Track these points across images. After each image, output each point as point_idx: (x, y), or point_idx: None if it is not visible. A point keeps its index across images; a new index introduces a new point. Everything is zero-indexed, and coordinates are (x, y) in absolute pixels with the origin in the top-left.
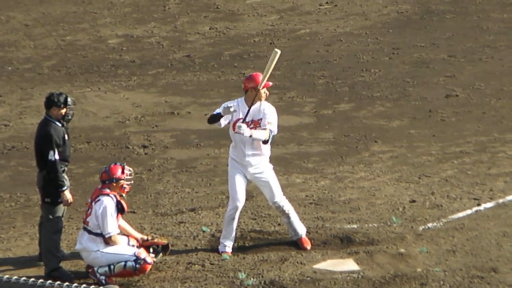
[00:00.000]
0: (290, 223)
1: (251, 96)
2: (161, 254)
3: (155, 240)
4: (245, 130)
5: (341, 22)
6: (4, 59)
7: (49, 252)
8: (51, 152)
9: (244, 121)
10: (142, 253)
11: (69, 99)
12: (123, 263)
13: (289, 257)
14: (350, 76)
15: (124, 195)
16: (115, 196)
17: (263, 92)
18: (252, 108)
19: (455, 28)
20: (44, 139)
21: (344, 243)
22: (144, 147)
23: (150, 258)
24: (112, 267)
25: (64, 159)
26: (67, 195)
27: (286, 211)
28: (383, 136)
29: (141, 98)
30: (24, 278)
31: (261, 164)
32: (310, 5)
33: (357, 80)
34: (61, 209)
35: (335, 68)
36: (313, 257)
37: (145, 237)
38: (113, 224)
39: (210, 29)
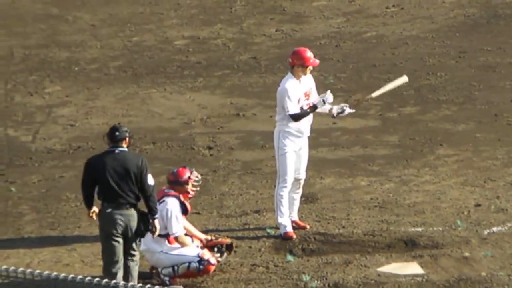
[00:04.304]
0: (295, 203)
1: (298, 71)
2: (225, 254)
3: (219, 240)
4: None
5: (407, 25)
6: (71, 59)
7: None
8: (150, 176)
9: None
10: (206, 254)
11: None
12: (187, 264)
13: (353, 259)
14: (416, 79)
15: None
16: (179, 197)
17: (308, 69)
18: (302, 81)
19: None
20: (143, 163)
21: (408, 246)
22: (209, 148)
23: (214, 259)
24: (176, 268)
25: None
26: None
27: (301, 188)
28: (448, 139)
29: (206, 99)
30: (88, 277)
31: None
32: (377, 8)
33: (423, 84)
34: None
35: (401, 71)
36: (377, 260)
37: (209, 238)
38: (179, 224)
39: (276, 31)
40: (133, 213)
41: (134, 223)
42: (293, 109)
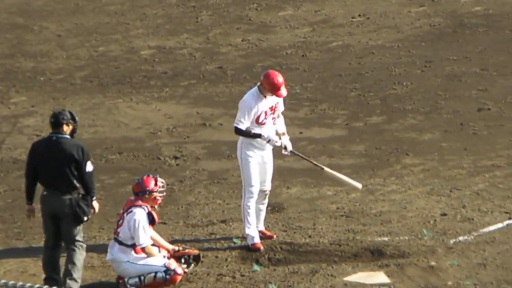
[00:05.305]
0: (262, 214)
1: (265, 91)
2: (192, 265)
3: (186, 251)
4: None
5: (373, 35)
6: (36, 70)
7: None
8: (89, 163)
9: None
10: (172, 264)
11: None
12: (153, 274)
13: (319, 269)
14: (382, 88)
15: (156, 206)
16: (146, 207)
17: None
18: (268, 96)
19: (487, 42)
20: (81, 152)
21: (375, 255)
22: (176, 158)
23: (180, 269)
24: (142, 278)
25: None
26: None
27: (267, 199)
28: (414, 149)
29: (173, 109)
30: None
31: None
32: (343, 18)
33: (389, 93)
34: None
35: (367, 80)
36: (343, 269)
37: (176, 248)
38: (146, 235)
39: (242, 40)
40: (64, 199)
41: (66, 209)
42: (241, 124)
